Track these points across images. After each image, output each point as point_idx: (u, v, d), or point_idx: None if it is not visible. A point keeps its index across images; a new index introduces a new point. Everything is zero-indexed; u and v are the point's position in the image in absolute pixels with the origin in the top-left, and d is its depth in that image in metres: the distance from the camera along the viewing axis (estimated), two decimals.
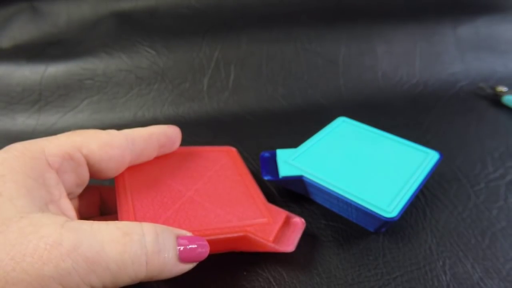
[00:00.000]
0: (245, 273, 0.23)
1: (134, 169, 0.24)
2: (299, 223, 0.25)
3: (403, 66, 0.46)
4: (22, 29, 0.46)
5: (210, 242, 0.20)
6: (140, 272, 0.17)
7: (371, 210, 0.24)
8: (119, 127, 0.23)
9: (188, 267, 0.19)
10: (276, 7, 0.47)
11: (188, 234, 0.19)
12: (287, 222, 0.25)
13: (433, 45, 0.48)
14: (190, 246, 0.18)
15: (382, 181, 0.26)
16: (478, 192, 0.30)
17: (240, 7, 0.47)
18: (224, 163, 0.28)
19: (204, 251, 0.19)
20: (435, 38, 0.48)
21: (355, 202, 0.25)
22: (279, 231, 0.23)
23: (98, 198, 0.25)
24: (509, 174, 0.32)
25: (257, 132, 0.37)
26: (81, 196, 0.22)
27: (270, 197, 0.29)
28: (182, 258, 0.18)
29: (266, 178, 0.28)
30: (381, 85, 0.45)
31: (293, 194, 0.30)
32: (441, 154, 0.29)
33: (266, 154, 0.30)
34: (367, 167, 0.28)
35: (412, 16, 0.48)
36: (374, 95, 0.44)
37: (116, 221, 0.17)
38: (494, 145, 0.36)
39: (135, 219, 0.21)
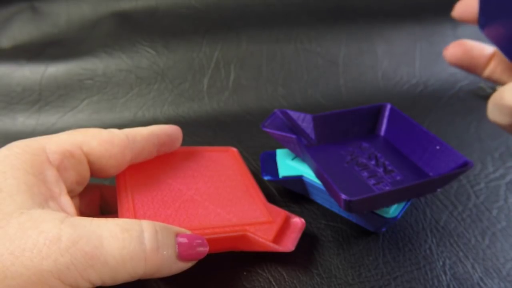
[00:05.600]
0: (245, 273, 0.23)
1: (135, 167, 0.24)
2: (299, 223, 0.25)
3: (403, 66, 0.46)
4: (22, 29, 0.46)
5: (210, 241, 0.20)
6: (139, 269, 0.17)
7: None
8: (119, 127, 0.23)
9: (187, 265, 0.19)
10: (276, 7, 0.47)
11: (188, 232, 0.19)
12: (287, 222, 0.24)
13: (433, 45, 0.48)
14: (189, 244, 0.18)
15: None
16: (478, 192, 0.30)
17: (240, 7, 0.47)
18: (224, 163, 0.28)
19: (203, 249, 0.19)
20: (435, 38, 0.48)
21: None
22: (279, 231, 0.23)
23: (99, 197, 0.25)
24: (509, 174, 0.32)
25: (257, 132, 0.37)
26: (81, 195, 0.22)
27: (270, 197, 0.29)
28: (181, 256, 0.18)
29: (266, 178, 0.28)
30: (381, 85, 0.45)
31: (293, 194, 0.30)
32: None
33: (266, 154, 0.30)
34: None
35: (412, 16, 0.48)
36: (374, 95, 0.44)
37: (116, 218, 0.17)
38: (494, 145, 0.36)
39: (135, 217, 0.21)
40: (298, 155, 0.28)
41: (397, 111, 0.30)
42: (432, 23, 0.49)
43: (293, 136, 0.26)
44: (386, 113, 0.31)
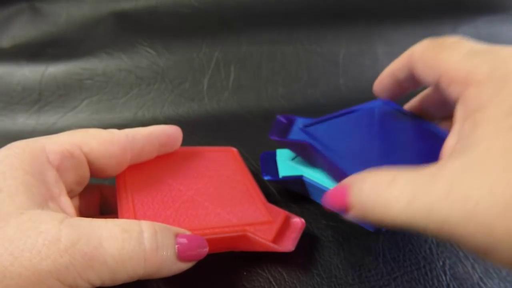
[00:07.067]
0: (245, 273, 0.23)
1: (135, 168, 0.24)
2: (299, 223, 0.25)
3: None
4: (22, 29, 0.46)
5: (210, 241, 0.20)
6: (138, 269, 0.17)
7: None
8: (119, 127, 0.23)
9: (186, 265, 0.19)
10: (276, 7, 0.47)
11: (187, 232, 0.19)
12: (287, 222, 0.24)
13: None
14: (189, 245, 0.18)
15: None
16: None
17: (240, 7, 0.47)
18: (224, 163, 0.28)
19: (203, 250, 0.19)
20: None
21: None
22: (279, 231, 0.23)
23: (99, 197, 0.25)
24: None
25: (257, 132, 0.37)
26: (81, 195, 0.22)
27: (270, 197, 0.29)
28: (181, 257, 0.18)
29: (266, 178, 0.28)
30: None
31: (293, 194, 0.30)
32: None
33: (266, 154, 0.30)
34: None
35: (412, 16, 0.48)
36: (375, 95, 0.44)
37: (115, 219, 0.17)
38: None
39: (135, 217, 0.21)
40: (309, 160, 0.28)
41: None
42: (432, 23, 0.49)
43: (305, 142, 0.26)
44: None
